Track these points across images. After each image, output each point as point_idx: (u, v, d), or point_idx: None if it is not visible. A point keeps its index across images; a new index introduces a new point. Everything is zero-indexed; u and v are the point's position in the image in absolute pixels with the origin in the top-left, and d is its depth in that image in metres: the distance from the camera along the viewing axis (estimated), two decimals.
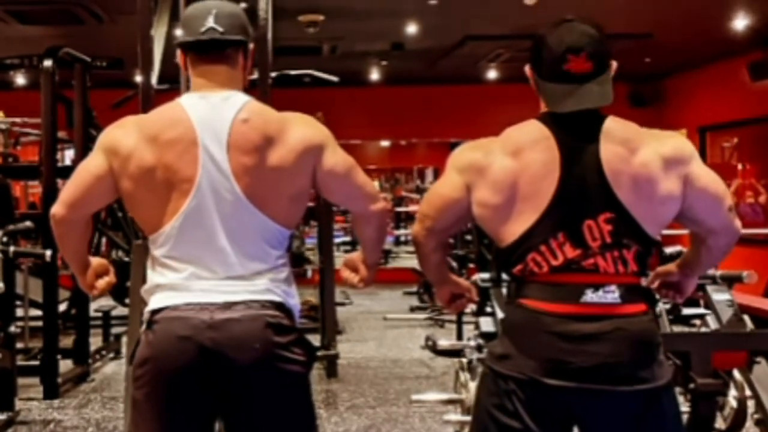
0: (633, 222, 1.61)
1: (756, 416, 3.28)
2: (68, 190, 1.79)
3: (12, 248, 4.36)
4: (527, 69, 1.78)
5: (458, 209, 1.74)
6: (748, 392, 3.30)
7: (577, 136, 1.65)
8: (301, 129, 1.76)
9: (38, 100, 4.88)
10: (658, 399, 1.62)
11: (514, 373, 1.61)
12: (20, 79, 8.70)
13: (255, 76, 3.20)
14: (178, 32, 1.83)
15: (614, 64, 1.70)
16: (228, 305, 1.68)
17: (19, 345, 4.96)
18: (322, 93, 8.07)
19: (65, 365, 5.05)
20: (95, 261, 1.94)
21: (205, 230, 1.70)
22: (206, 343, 1.65)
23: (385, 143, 15.14)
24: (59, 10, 5.97)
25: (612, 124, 1.67)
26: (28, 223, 5.28)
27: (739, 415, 3.40)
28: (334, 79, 5.71)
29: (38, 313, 5.11)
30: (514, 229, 1.64)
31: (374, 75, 9.30)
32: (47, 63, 4.88)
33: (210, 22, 1.74)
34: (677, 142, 1.71)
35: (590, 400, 1.60)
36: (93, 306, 5.88)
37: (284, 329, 1.72)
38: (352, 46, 7.57)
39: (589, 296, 1.60)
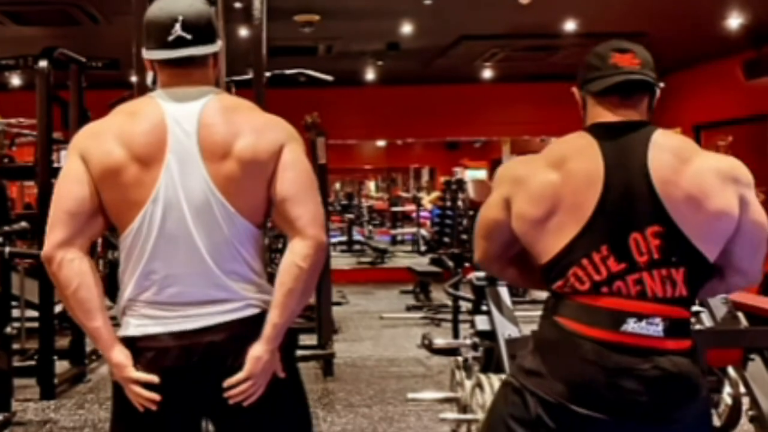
0: (683, 238, 1.51)
1: (750, 413, 3.29)
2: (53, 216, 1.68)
3: (8, 249, 4.36)
4: (575, 91, 1.70)
5: (506, 229, 1.65)
6: (742, 389, 3.32)
7: (623, 144, 1.56)
8: (273, 125, 1.71)
9: (34, 100, 4.88)
10: None
11: (541, 393, 1.54)
12: (15, 80, 8.68)
13: (250, 75, 3.20)
14: (143, 35, 1.73)
15: (661, 84, 1.66)
16: (208, 329, 1.63)
17: (16, 346, 4.95)
18: (317, 93, 8.07)
19: (61, 366, 5.05)
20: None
21: (174, 225, 1.63)
22: (192, 373, 1.63)
23: (381, 143, 15.16)
24: (55, 10, 5.97)
25: (662, 136, 1.59)
26: (23, 224, 5.28)
27: (734, 412, 3.41)
28: (329, 78, 5.71)
29: (34, 314, 5.10)
30: (554, 244, 1.55)
31: (370, 75, 9.30)
32: (42, 63, 4.88)
33: (177, 30, 1.66)
34: (736, 162, 1.62)
35: None
36: None
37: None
38: (347, 46, 7.58)
39: (631, 326, 1.50)
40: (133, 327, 1.67)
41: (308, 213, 1.66)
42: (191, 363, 1.63)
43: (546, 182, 1.56)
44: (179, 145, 1.63)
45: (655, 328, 1.51)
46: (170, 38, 1.66)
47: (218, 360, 1.64)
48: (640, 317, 1.51)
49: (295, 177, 1.67)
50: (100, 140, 1.66)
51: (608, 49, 1.62)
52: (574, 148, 1.59)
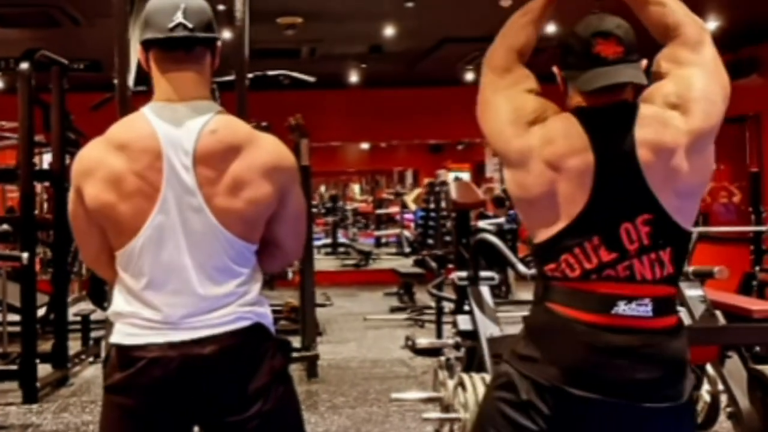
0: (670, 220, 1.56)
1: (728, 410, 3.35)
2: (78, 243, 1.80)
3: None
4: (555, 70, 1.69)
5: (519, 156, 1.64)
6: (720, 387, 3.37)
7: (611, 133, 1.57)
8: (275, 145, 1.69)
9: (15, 103, 4.86)
10: (680, 416, 1.58)
11: (535, 377, 1.56)
12: None
13: (232, 77, 3.21)
14: (142, 28, 1.70)
15: (644, 62, 1.64)
16: (199, 341, 1.62)
17: None
18: (301, 95, 8.08)
19: (44, 369, 5.02)
20: None
21: (168, 250, 1.62)
22: (182, 384, 1.62)
23: (364, 146, 15.18)
24: (36, 12, 5.95)
25: (646, 109, 1.60)
26: (5, 227, 5.26)
27: (713, 409, 3.47)
28: (311, 79, 5.73)
29: (16, 317, 5.08)
30: (547, 227, 1.59)
31: (353, 77, 9.33)
32: (24, 66, 4.86)
33: (179, 18, 1.64)
34: (705, 108, 1.64)
35: (613, 414, 1.54)
36: (72, 310, 5.86)
37: (256, 354, 1.68)
38: (330, 49, 7.60)
39: (621, 308, 1.54)
40: (124, 335, 1.67)
41: (298, 243, 1.81)
42: (181, 373, 1.62)
43: (543, 171, 1.58)
44: (175, 177, 1.61)
45: (644, 308, 1.54)
46: (170, 24, 1.65)
47: (208, 371, 1.63)
48: (630, 299, 1.54)
49: (291, 227, 1.76)
50: (92, 181, 1.64)
51: (589, 32, 1.60)
52: (567, 137, 1.59)
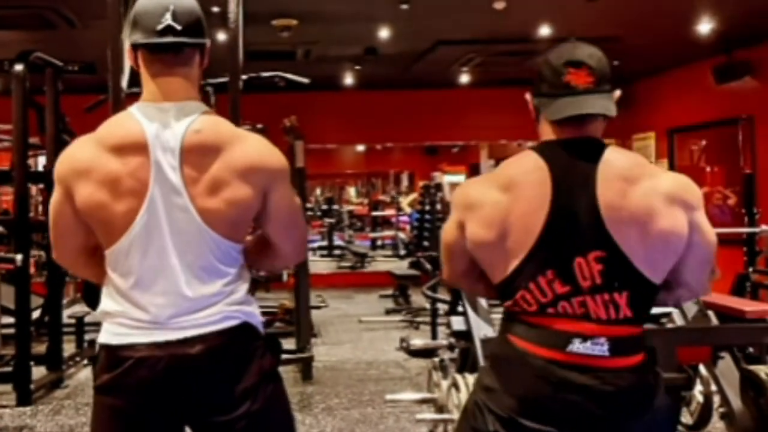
0: (626, 263, 1.52)
1: (721, 410, 3.36)
2: (50, 230, 1.76)
3: None
4: (528, 97, 1.67)
5: (464, 250, 1.66)
6: (713, 387, 3.39)
7: (573, 168, 1.55)
8: (256, 146, 1.68)
9: (9, 105, 4.86)
10: None
11: (495, 408, 1.57)
12: None
13: (226, 79, 3.22)
14: (130, 28, 1.69)
15: (617, 92, 1.61)
16: (186, 341, 1.62)
17: None
18: (296, 97, 8.09)
19: (38, 372, 5.02)
20: None
21: (155, 249, 1.63)
22: (170, 384, 1.63)
23: (360, 148, 15.19)
24: (31, 14, 5.93)
25: (612, 155, 1.57)
26: (0, 229, 5.24)
27: (705, 409, 3.48)
28: (305, 80, 5.73)
29: (11, 320, 5.07)
30: (504, 266, 1.57)
31: (348, 79, 9.33)
32: (18, 67, 4.86)
33: (167, 19, 1.63)
34: (684, 182, 1.60)
35: None
36: (66, 312, 5.86)
37: (244, 353, 1.68)
38: (325, 51, 7.60)
39: (576, 346, 1.52)
40: (112, 335, 1.68)
41: (291, 245, 1.79)
42: (169, 373, 1.62)
43: (496, 207, 1.57)
44: (163, 177, 1.62)
45: (600, 347, 1.53)
46: (159, 27, 1.64)
47: (195, 371, 1.63)
48: (584, 338, 1.52)
49: (281, 228, 1.74)
50: (84, 180, 1.64)
51: (561, 61, 1.58)
52: (524, 170, 1.58)
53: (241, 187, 1.64)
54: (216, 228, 1.64)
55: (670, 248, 1.56)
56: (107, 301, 1.70)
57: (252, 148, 1.68)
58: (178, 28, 1.64)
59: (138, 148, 1.63)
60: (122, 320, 1.66)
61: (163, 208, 1.62)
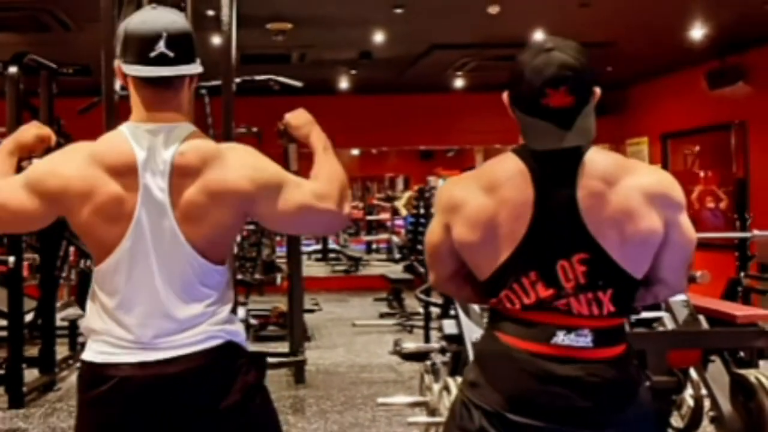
0: (610, 262, 1.54)
1: (711, 414, 3.37)
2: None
3: None
4: (505, 97, 1.66)
5: (451, 252, 1.67)
6: (704, 391, 3.40)
7: (554, 172, 1.57)
8: (228, 168, 1.66)
9: (3, 108, 4.86)
10: None
11: (481, 403, 1.58)
12: None
13: (220, 82, 3.23)
14: (121, 45, 1.66)
15: (597, 92, 1.61)
16: (170, 361, 1.63)
17: None
18: (291, 101, 8.00)
19: (31, 374, 5.02)
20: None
21: (140, 270, 1.64)
22: (153, 403, 1.63)
23: (355, 152, 15.20)
24: (25, 16, 5.93)
25: (593, 157, 1.58)
26: None
27: (696, 413, 3.49)
28: (298, 84, 5.74)
29: (3, 323, 5.06)
30: (489, 265, 1.59)
31: (343, 83, 9.35)
32: (12, 70, 4.86)
33: (161, 47, 1.61)
34: (664, 178, 1.62)
35: None
36: (59, 315, 5.85)
37: (228, 371, 1.68)
38: (320, 55, 7.62)
39: (561, 338, 1.55)
40: (96, 353, 1.68)
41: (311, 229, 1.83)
42: (152, 393, 1.63)
43: (480, 208, 1.59)
44: (151, 200, 1.63)
45: (584, 339, 1.56)
46: (152, 54, 1.61)
47: (179, 391, 1.64)
48: (569, 330, 1.55)
49: (289, 228, 1.88)
50: (80, 199, 1.64)
51: (540, 81, 1.54)
52: (506, 173, 1.59)
53: (218, 209, 1.65)
54: (200, 250, 1.66)
55: (649, 246, 1.58)
56: (94, 318, 1.71)
57: (227, 170, 1.66)
58: (171, 55, 1.63)
59: (128, 170, 1.64)
60: (107, 338, 1.67)
61: (149, 231, 1.63)
